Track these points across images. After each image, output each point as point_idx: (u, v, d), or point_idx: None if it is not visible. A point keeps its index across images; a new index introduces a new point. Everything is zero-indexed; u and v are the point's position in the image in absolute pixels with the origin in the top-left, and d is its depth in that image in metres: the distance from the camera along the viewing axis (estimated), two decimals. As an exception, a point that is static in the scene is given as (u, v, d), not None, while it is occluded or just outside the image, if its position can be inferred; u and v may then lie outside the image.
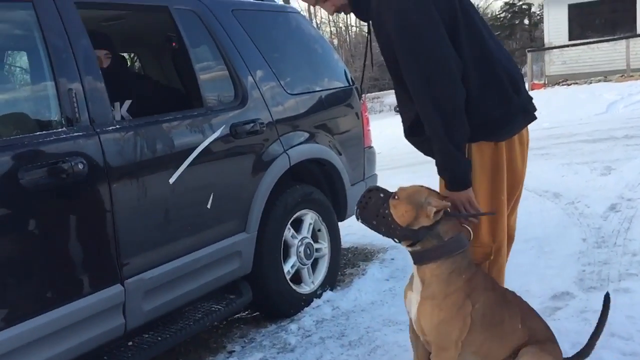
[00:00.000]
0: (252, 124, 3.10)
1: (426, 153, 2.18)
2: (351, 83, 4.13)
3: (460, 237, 1.97)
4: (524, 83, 2.18)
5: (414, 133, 2.14)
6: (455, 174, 1.98)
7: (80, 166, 2.28)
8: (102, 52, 3.21)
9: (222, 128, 2.93)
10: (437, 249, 1.93)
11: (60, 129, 2.32)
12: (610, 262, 3.61)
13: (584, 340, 2.66)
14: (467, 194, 1.99)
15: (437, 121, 1.91)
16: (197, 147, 2.78)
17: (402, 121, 2.22)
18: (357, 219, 2.05)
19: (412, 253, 2.02)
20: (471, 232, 2.04)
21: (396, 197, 1.97)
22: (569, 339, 2.67)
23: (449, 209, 1.96)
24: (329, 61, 4.11)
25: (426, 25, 1.88)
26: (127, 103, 3.27)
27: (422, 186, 2.03)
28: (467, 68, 1.96)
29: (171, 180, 2.64)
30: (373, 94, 32.34)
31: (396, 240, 2.01)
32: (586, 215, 4.65)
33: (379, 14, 1.98)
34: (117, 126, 2.51)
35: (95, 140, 2.39)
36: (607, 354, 2.53)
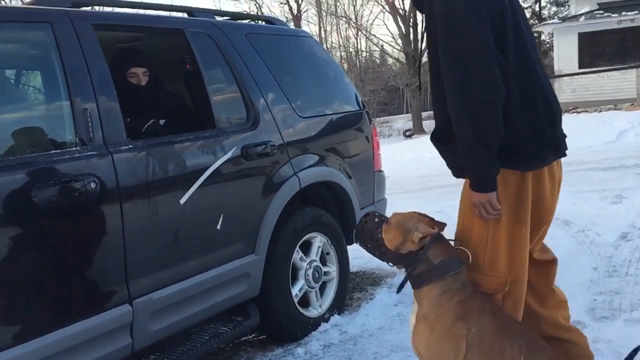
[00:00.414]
0: (263, 146, 3.11)
1: (450, 166, 2.10)
2: (362, 107, 4.15)
3: (450, 259, 1.99)
4: (560, 117, 2.09)
5: (441, 139, 2.07)
6: (477, 173, 1.92)
7: (93, 185, 2.29)
8: (140, 69, 3.20)
9: (233, 149, 2.94)
10: (427, 272, 1.99)
11: (74, 148, 2.34)
12: (622, 291, 3.57)
13: (596, 371, 2.62)
14: (488, 196, 1.92)
15: (467, 115, 1.84)
16: (208, 168, 2.79)
17: (435, 122, 2.13)
18: (355, 241, 2.15)
19: (407, 277, 2.05)
20: (469, 255, 2.03)
21: (388, 222, 2.06)
22: (581, 369, 2.63)
23: (441, 234, 1.98)
24: (340, 85, 4.15)
25: (472, 14, 1.83)
26: (161, 122, 3.28)
27: (414, 212, 2.09)
28: (507, 76, 1.88)
29: (182, 201, 2.65)
30: (382, 118, 32.47)
31: (390, 264, 2.10)
32: (597, 244, 4.60)
33: (430, 4, 1.94)
34: (130, 146, 2.53)
35: (108, 160, 2.41)
36: (619, 385, 2.49)
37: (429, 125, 29.65)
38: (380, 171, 4.22)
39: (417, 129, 26.80)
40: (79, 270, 2.29)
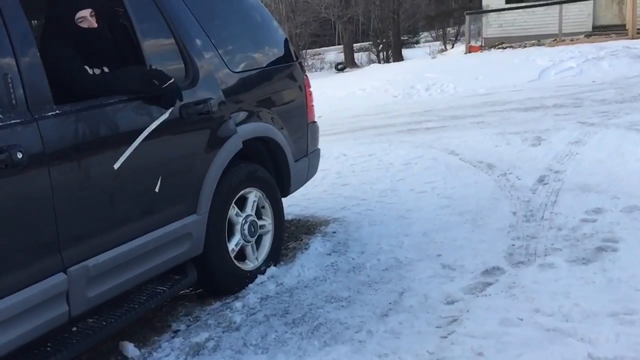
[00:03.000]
0: (202, 104, 3.07)
1: None
2: (295, 58, 4.11)
3: None
4: None
5: None
6: None
7: (19, 155, 2.20)
8: (86, 12, 2.85)
9: (170, 109, 2.88)
10: None
11: (-5, 117, 2.22)
12: (537, 236, 3.82)
13: (513, 315, 2.86)
14: None
15: None
16: (144, 130, 2.73)
17: None
18: None
19: None
20: None
21: None
22: (499, 314, 2.85)
23: None
24: (270, 31, 4.06)
25: None
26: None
27: None
28: None
29: (116, 166, 2.60)
30: (313, 50, 31.96)
31: None
32: (517, 188, 4.87)
33: None
34: (57, 111, 2.42)
35: (34, 127, 2.31)
36: (530, 329, 2.69)
37: (361, 58, 29.63)
38: (314, 122, 4.25)
39: (349, 62, 26.72)
40: (9, 242, 2.22)
